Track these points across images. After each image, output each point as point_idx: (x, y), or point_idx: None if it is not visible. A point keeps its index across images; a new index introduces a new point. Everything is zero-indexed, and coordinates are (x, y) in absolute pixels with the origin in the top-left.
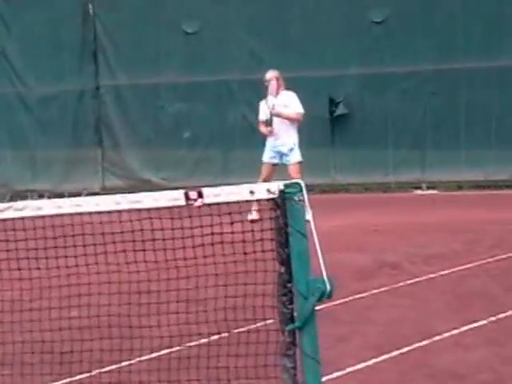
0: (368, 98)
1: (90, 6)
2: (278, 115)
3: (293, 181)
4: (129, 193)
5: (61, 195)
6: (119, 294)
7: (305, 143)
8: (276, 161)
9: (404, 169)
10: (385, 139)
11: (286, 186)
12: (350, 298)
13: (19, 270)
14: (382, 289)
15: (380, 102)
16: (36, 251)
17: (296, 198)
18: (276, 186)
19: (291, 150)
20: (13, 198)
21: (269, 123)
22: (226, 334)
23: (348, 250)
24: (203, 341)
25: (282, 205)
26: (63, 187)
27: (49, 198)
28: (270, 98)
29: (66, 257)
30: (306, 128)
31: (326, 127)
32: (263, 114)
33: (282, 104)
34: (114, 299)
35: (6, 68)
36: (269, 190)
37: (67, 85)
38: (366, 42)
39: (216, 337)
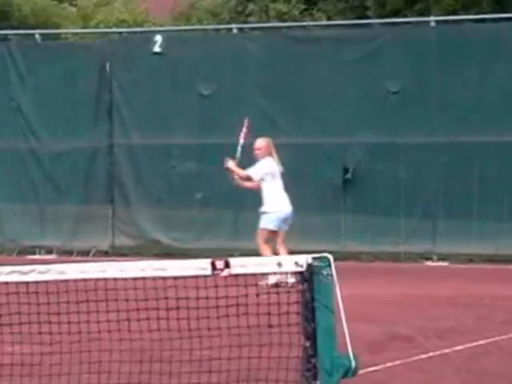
0: (381, 166)
1: (108, 65)
2: (230, 170)
3: (321, 255)
4: (137, 253)
5: (69, 252)
6: (140, 362)
7: (316, 209)
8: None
9: (415, 239)
10: (396, 208)
11: (315, 259)
12: (364, 371)
13: (39, 333)
14: (396, 362)
15: (393, 171)
16: (58, 316)
17: (324, 273)
18: (304, 259)
19: (263, 213)
20: (20, 253)
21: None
22: None
23: (358, 320)
24: None
25: (309, 279)
26: (72, 244)
27: (57, 254)
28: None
29: (89, 322)
30: (317, 193)
31: (338, 193)
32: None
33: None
34: (135, 367)
35: (20, 122)
36: (297, 263)
37: (81, 141)
38: (381, 111)
39: None
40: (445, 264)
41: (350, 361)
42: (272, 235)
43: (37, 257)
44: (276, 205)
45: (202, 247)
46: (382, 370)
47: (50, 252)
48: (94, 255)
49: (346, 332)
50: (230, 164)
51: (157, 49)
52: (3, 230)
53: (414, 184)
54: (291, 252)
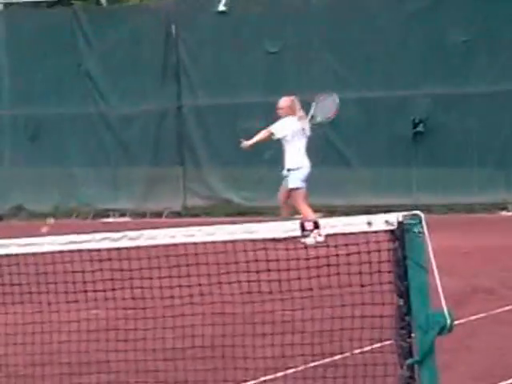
0: (451, 117)
1: (173, 26)
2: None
3: (412, 212)
4: (209, 213)
5: (142, 214)
6: (233, 324)
7: (386, 163)
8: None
9: (489, 189)
10: (468, 159)
11: (405, 217)
12: None
13: (133, 299)
14: (480, 315)
15: (463, 121)
16: (150, 280)
17: (415, 230)
18: (395, 217)
19: (289, 171)
20: (95, 217)
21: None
22: (342, 356)
23: (438, 273)
24: (324, 361)
25: (400, 237)
26: (145, 206)
27: (130, 217)
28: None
29: (180, 286)
30: (387, 147)
31: (408, 146)
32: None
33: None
34: (221, 330)
35: (88, 87)
36: (387, 222)
37: (149, 104)
38: (449, 61)
39: (335, 357)
40: None
41: (445, 317)
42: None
43: (111, 220)
44: (300, 161)
45: (273, 205)
46: (466, 323)
47: (123, 215)
48: (166, 216)
49: (440, 289)
50: (244, 144)
51: (221, 8)
52: (78, 195)
53: (486, 133)
54: (365, 207)
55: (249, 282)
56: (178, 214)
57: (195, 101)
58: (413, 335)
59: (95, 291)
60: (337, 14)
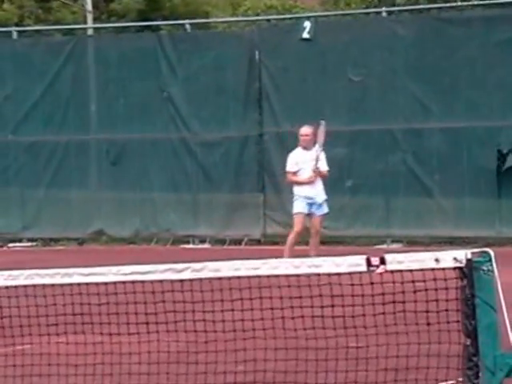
0: None
1: (257, 53)
2: (319, 173)
3: (481, 250)
4: None
5: (222, 241)
6: (296, 360)
7: (469, 194)
8: (307, 211)
9: None
10: None
11: (474, 254)
12: None
13: (195, 332)
14: None
15: None
16: (213, 313)
17: (485, 268)
18: (463, 254)
19: (325, 200)
20: (174, 243)
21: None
22: None
23: None
24: None
25: (469, 275)
26: (225, 233)
27: (210, 243)
28: (306, 153)
29: (243, 320)
30: (471, 178)
31: (493, 178)
32: (293, 165)
33: (320, 158)
34: (291, 366)
35: (171, 113)
36: (455, 259)
37: (231, 131)
38: None
39: None
40: None
41: None
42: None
43: (190, 246)
44: None
45: (354, 235)
46: None
47: (203, 241)
48: (246, 244)
49: (509, 329)
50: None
51: (305, 35)
52: (158, 220)
53: None
54: (448, 238)
55: (313, 317)
56: (258, 242)
57: (277, 128)
58: (480, 376)
59: (157, 323)
60: (422, 41)
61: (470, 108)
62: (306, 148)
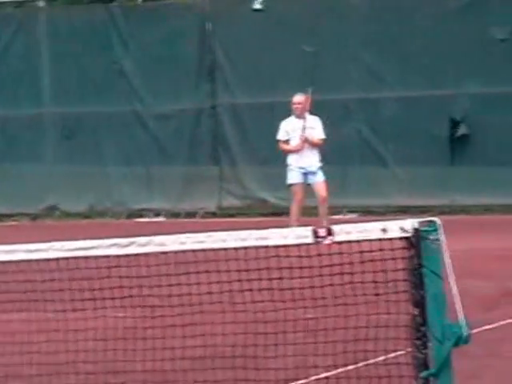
0: (490, 117)
1: (208, 24)
2: (307, 141)
3: (428, 219)
4: (244, 213)
5: (177, 214)
6: (245, 334)
7: (423, 162)
8: (303, 181)
9: None
10: (507, 158)
11: (421, 224)
12: (478, 329)
13: (142, 307)
14: (510, 320)
15: (502, 121)
16: (159, 288)
17: (432, 237)
18: (410, 224)
19: (319, 168)
20: (129, 217)
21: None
22: (356, 367)
23: (471, 276)
24: (337, 372)
25: (416, 244)
26: (180, 206)
27: (165, 217)
28: (298, 121)
29: (191, 294)
30: (425, 147)
31: (446, 147)
32: (284, 134)
33: (308, 126)
34: (240, 340)
35: (123, 86)
36: (402, 229)
37: (184, 103)
38: (488, 60)
39: (349, 368)
40: None
41: (461, 328)
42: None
43: (145, 220)
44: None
45: (309, 205)
46: (496, 328)
47: (158, 215)
48: (201, 217)
49: (457, 298)
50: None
51: (257, 5)
52: (112, 194)
53: None
54: (402, 207)
55: (260, 290)
56: (213, 214)
57: (231, 99)
58: (429, 345)
59: (104, 299)
60: (375, 12)
61: (423, 77)
62: (299, 116)
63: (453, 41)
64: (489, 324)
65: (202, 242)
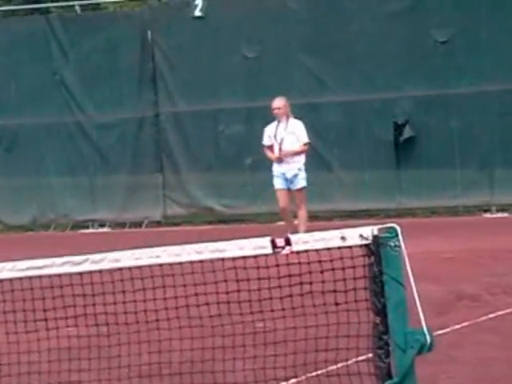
0: (433, 120)
1: (149, 32)
2: (287, 155)
3: (387, 225)
4: (190, 222)
5: (122, 224)
6: (202, 349)
7: (369, 166)
8: (284, 187)
9: (472, 191)
10: (452, 161)
11: (381, 230)
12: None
13: (97, 326)
14: (464, 324)
15: (445, 123)
16: (114, 305)
17: (392, 244)
18: (369, 230)
19: (295, 175)
20: (74, 228)
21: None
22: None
23: (421, 280)
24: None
25: (376, 251)
26: (124, 216)
27: (110, 227)
28: (280, 126)
29: (146, 311)
30: (369, 151)
31: (390, 150)
32: (267, 139)
33: (289, 132)
34: (198, 355)
35: (64, 96)
36: (362, 236)
37: (126, 112)
38: (430, 63)
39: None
40: (505, 215)
41: (424, 335)
42: (288, 195)
43: (90, 230)
44: (302, 163)
45: (255, 212)
46: (450, 332)
47: (102, 225)
48: (146, 226)
49: (419, 305)
50: (279, 154)
51: (198, 13)
52: (55, 206)
53: (468, 135)
54: (349, 212)
55: (218, 303)
56: (159, 223)
57: (173, 107)
58: (391, 354)
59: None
60: (315, 15)
61: (365, 80)
62: (279, 121)
63: (393, 43)
64: (442, 328)
65: (157, 256)
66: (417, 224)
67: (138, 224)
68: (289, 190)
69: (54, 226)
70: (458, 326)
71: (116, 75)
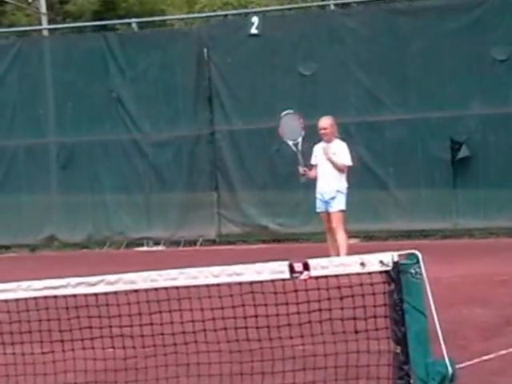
0: (492, 138)
1: (205, 50)
2: (329, 160)
3: (408, 251)
4: (244, 240)
5: (177, 242)
6: (220, 375)
7: (425, 186)
8: (324, 209)
9: None
10: (510, 181)
11: (401, 256)
12: (476, 360)
13: (113, 348)
14: (510, 350)
15: (505, 142)
16: (131, 328)
17: (413, 271)
18: (389, 256)
19: (333, 198)
20: (128, 246)
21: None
22: None
23: (472, 303)
24: None
25: (396, 278)
26: (179, 234)
27: (165, 245)
28: (324, 145)
29: (163, 334)
30: (426, 170)
31: (448, 169)
32: (314, 159)
33: (332, 152)
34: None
35: (121, 114)
36: (382, 262)
37: (182, 130)
38: (489, 81)
39: None
40: None
41: (446, 367)
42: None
43: (145, 248)
44: (342, 185)
45: (310, 231)
46: (495, 358)
47: (157, 243)
48: (201, 245)
49: (440, 335)
50: (327, 156)
51: (254, 30)
52: (110, 223)
53: None
54: (404, 232)
55: (236, 328)
56: (213, 242)
57: (228, 126)
58: None
59: (72, 340)
60: (372, 33)
61: (423, 99)
62: (327, 141)
63: (454, 62)
64: (488, 354)
65: (174, 278)
66: (473, 245)
67: (193, 242)
68: (328, 212)
69: (109, 243)
70: (503, 352)
71: (172, 93)
